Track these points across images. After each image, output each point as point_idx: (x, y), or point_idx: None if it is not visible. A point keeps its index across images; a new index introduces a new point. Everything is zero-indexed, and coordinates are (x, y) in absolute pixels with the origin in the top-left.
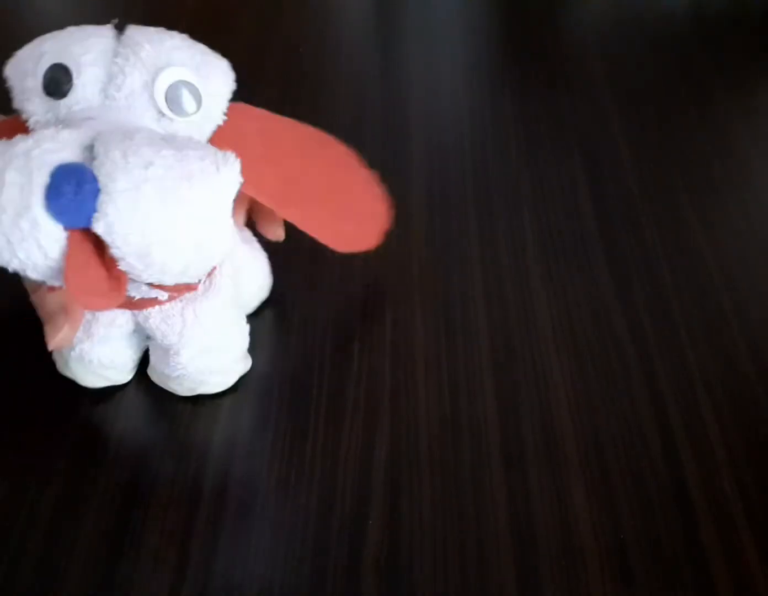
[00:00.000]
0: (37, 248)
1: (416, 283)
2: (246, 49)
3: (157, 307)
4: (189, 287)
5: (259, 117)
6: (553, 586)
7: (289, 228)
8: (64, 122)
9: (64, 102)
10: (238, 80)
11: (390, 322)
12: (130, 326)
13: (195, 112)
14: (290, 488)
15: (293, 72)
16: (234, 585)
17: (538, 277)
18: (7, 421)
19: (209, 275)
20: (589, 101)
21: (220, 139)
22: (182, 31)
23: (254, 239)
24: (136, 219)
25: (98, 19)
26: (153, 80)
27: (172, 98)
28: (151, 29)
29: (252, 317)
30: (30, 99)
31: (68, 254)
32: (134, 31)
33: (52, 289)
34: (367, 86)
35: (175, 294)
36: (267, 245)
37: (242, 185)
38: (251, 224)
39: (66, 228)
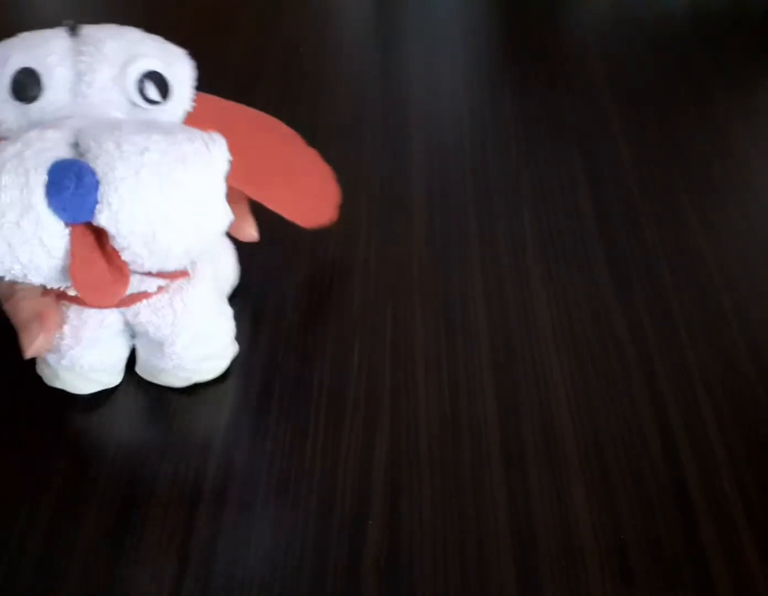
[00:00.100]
0: (41, 248)
1: (416, 283)
2: (246, 49)
3: (145, 301)
4: (183, 273)
5: (215, 102)
6: (553, 586)
7: (282, 231)
8: (40, 125)
9: (35, 105)
10: (239, 81)
11: (390, 322)
12: (119, 326)
13: (167, 100)
14: (290, 488)
15: (293, 72)
16: (234, 584)
17: (538, 277)
18: (7, 422)
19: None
20: (589, 101)
21: (191, 124)
22: (183, 31)
23: None
24: (139, 205)
25: (102, 20)
26: (123, 73)
27: (144, 88)
28: (107, 26)
29: (251, 318)
30: None
31: (73, 250)
32: (92, 30)
33: (25, 299)
34: (367, 86)
35: (169, 281)
36: (267, 250)
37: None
38: None
39: (68, 224)
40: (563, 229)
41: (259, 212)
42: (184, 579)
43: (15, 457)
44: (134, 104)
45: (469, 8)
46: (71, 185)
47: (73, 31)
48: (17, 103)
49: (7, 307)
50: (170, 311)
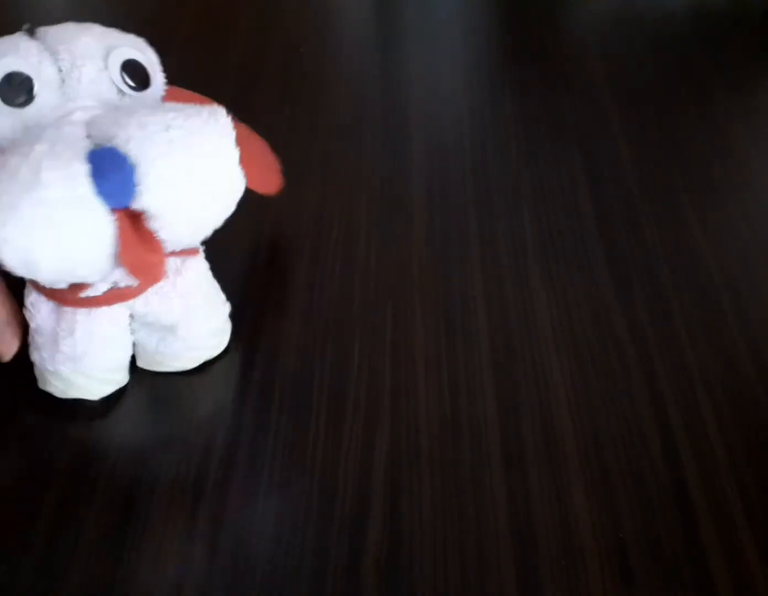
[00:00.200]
0: (93, 238)
1: (416, 283)
2: (246, 49)
3: (152, 288)
4: (195, 251)
5: (174, 88)
6: (553, 586)
7: (287, 235)
8: (37, 127)
9: (30, 109)
10: (239, 81)
11: (390, 322)
12: (126, 322)
13: (150, 85)
14: (290, 488)
15: (293, 72)
16: (235, 584)
17: (538, 277)
18: (8, 422)
19: None
20: (589, 101)
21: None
22: (183, 31)
23: None
24: (174, 182)
25: (102, 20)
26: (106, 64)
27: (129, 75)
28: (64, 25)
29: (251, 318)
30: None
31: (119, 235)
32: (54, 31)
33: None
34: (367, 86)
35: (179, 260)
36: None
37: None
38: None
39: (113, 210)
40: (563, 229)
41: (260, 212)
42: (184, 578)
43: (16, 457)
44: (122, 92)
45: (469, 8)
46: (114, 171)
47: (31, 34)
48: (10, 109)
49: None
50: (176, 293)
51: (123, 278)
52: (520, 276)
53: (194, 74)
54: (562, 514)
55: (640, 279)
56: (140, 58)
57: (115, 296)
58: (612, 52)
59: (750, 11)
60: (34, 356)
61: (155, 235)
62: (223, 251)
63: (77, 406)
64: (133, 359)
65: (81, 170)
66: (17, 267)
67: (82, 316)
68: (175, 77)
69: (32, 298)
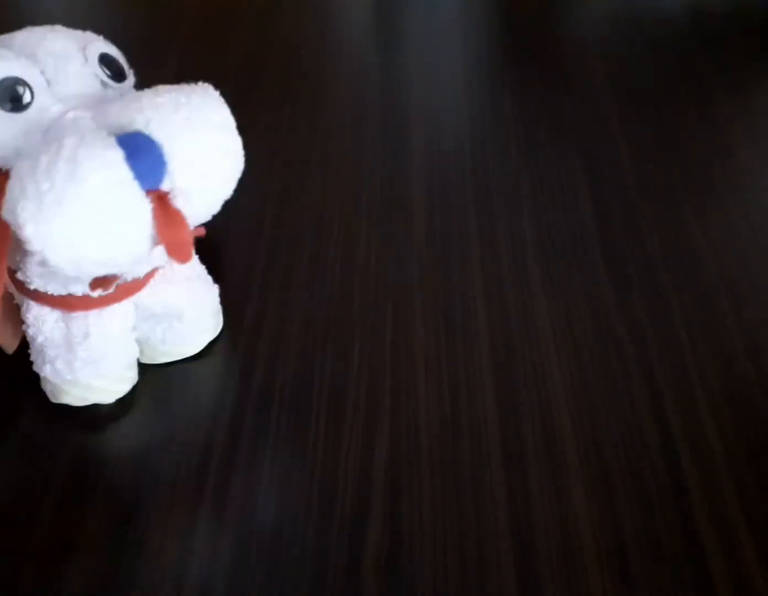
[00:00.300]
0: (135, 221)
1: (416, 283)
2: (246, 49)
3: (158, 276)
4: (201, 231)
5: None
6: (553, 586)
7: (287, 235)
8: (37, 131)
9: (29, 112)
10: (239, 81)
11: (390, 322)
12: (134, 316)
13: (126, 76)
14: (290, 488)
15: (293, 72)
16: (235, 584)
17: (538, 277)
18: (8, 422)
19: None
20: (589, 101)
21: None
22: (184, 31)
23: None
24: (198, 157)
25: (102, 20)
26: (86, 59)
27: (110, 68)
28: (23, 31)
29: (252, 319)
30: None
31: (156, 216)
32: (22, 35)
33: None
34: (367, 86)
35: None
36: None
37: None
38: None
39: (148, 191)
40: (563, 229)
41: (260, 212)
42: (184, 579)
43: (16, 457)
44: (104, 84)
45: (469, 8)
46: (147, 153)
47: None
48: (9, 115)
49: None
50: (178, 278)
51: (129, 272)
52: (520, 276)
53: (194, 74)
54: (562, 514)
55: (640, 279)
56: (112, 52)
57: (123, 291)
58: (612, 52)
59: (750, 11)
60: (45, 370)
61: (181, 213)
62: (224, 251)
63: (76, 407)
64: None
65: (117, 156)
66: (65, 263)
67: (94, 318)
68: (176, 77)
69: (34, 312)
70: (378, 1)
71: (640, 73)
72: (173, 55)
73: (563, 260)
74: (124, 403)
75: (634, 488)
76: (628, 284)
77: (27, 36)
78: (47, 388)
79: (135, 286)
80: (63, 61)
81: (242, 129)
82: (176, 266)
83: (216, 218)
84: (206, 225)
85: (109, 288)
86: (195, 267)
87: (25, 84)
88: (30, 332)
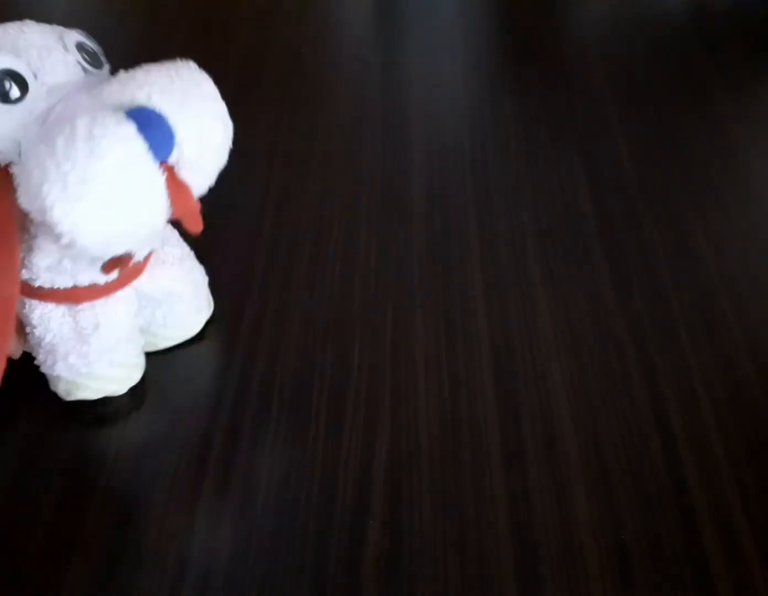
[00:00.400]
0: (151, 193)
1: (416, 283)
2: (247, 50)
3: (153, 260)
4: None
5: None
6: (553, 586)
7: (287, 235)
8: (34, 122)
9: (24, 104)
10: (239, 81)
11: (390, 322)
12: (136, 304)
13: (103, 63)
14: (290, 488)
15: (293, 72)
16: (234, 584)
17: (538, 277)
18: (8, 422)
19: None
20: (589, 101)
21: None
22: (184, 31)
23: None
24: (199, 128)
25: (103, 20)
26: (66, 48)
27: (89, 54)
28: (5, 24)
29: (252, 319)
30: None
31: (169, 187)
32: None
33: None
34: (367, 86)
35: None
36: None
37: None
38: None
39: (160, 162)
40: (563, 229)
41: (260, 212)
42: (183, 579)
43: (16, 457)
44: (86, 71)
45: (469, 8)
46: (157, 125)
47: None
48: (7, 107)
49: None
50: (172, 260)
51: (142, 250)
52: (520, 276)
53: None
54: (562, 514)
55: (640, 279)
56: (87, 40)
57: (125, 277)
58: (612, 52)
59: (750, 11)
60: (58, 369)
61: (187, 184)
62: (224, 251)
63: (76, 405)
64: None
65: (131, 130)
66: (93, 241)
67: (101, 307)
68: None
69: (39, 311)
70: (378, 1)
71: (640, 73)
72: (173, 55)
73: (563, 260)
74: (124, 403)
75: (634, 488)
76: (629, 284)
77: (3, 31)
78: (60, 387)
79: (135, 271)
80: (45, 52)
81: (242, 129)
82: (167, 248)
83: (216, 218)
84: (206, 225)
85: (126, 267)
86: (183, 246)
87: (18, 76)
88: (37, 332)
